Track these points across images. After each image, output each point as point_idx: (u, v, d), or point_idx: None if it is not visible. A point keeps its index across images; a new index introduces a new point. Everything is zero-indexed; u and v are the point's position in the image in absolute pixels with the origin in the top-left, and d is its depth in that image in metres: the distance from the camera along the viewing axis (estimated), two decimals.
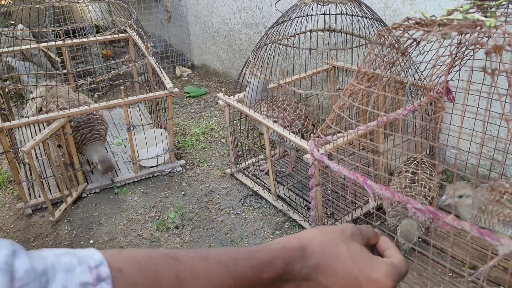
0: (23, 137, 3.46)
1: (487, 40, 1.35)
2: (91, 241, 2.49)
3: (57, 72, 3.36)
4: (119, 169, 3.11)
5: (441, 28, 1.39)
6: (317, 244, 0.61)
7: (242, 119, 2.90)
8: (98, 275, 0.46)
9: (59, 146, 2.98)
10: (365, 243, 0.65)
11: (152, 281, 0.49)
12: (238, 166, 2.97)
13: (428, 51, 1.78)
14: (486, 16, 1.43)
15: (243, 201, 2.76)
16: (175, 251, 0.54)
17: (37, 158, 3.22)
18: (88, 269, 0.46)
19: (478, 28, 1.37)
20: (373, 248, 0.68)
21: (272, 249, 0.58)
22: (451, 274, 2.04)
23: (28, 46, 3.55)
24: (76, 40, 3.51)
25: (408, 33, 1.59)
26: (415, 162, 2.22)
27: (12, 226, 2.64)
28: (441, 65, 2.01)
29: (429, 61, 2.14)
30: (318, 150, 1.91)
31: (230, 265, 0.54)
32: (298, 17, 2.54)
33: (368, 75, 1.72)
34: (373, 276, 0.59)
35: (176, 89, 2.86)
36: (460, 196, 1.77)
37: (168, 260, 0.52)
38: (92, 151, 2.82)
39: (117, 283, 0.46)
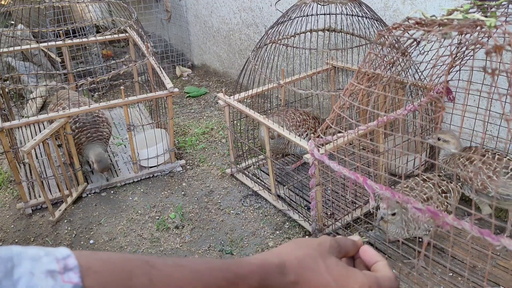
0: (23, 137, 3.46)
1: (487, 40, 1.35)
2: (91, 241, 2.49)
3: (57, 72, 3.36)
4: (119, 169, 3.11)
5: (441, 28, 1.39)
6: (295, 259, 0.62)
7: (242, 119, 2.90)
8: (65, 265, 0.46)
9: (59, 146, 2.98)
10: (343, 256, 0.68)
11: (124, 282, 0.50)
12: (238, 166, 2.97)
13: (428, 51, 1.78)
14: (486, 16, 1.43)
15: (243, 201, 2.76)
16: (151, 257, 0.55)
17: (37, 158, 3.22)
18: (55, 260, 0.46)
19: (478, 28, 1.37)
20: (354, 259, 0.71)
21: (250, 264, 0.59)
22: (451, 274, 2.04)
23: (28, 46, 3.55)
24: (76, 40, 3.51)
25: (408, 33, 1.59)
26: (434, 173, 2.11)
27: (12, 226, 2.64)
28: (441, 65, 2.01)
29: (429, 61, 2.15)
30: (318, 150, 1.91)
31: (206, 275, 0.55)
32: (298, 17, 2.54)
33: (368, 75, 1.72)
34: (348, 287, 0.61)
35: (176, 89, 2.86)
36: None
37: (143, 263, 0.52)
38: (89, 150, 2.82)
39: (87, 279, 0.47)
